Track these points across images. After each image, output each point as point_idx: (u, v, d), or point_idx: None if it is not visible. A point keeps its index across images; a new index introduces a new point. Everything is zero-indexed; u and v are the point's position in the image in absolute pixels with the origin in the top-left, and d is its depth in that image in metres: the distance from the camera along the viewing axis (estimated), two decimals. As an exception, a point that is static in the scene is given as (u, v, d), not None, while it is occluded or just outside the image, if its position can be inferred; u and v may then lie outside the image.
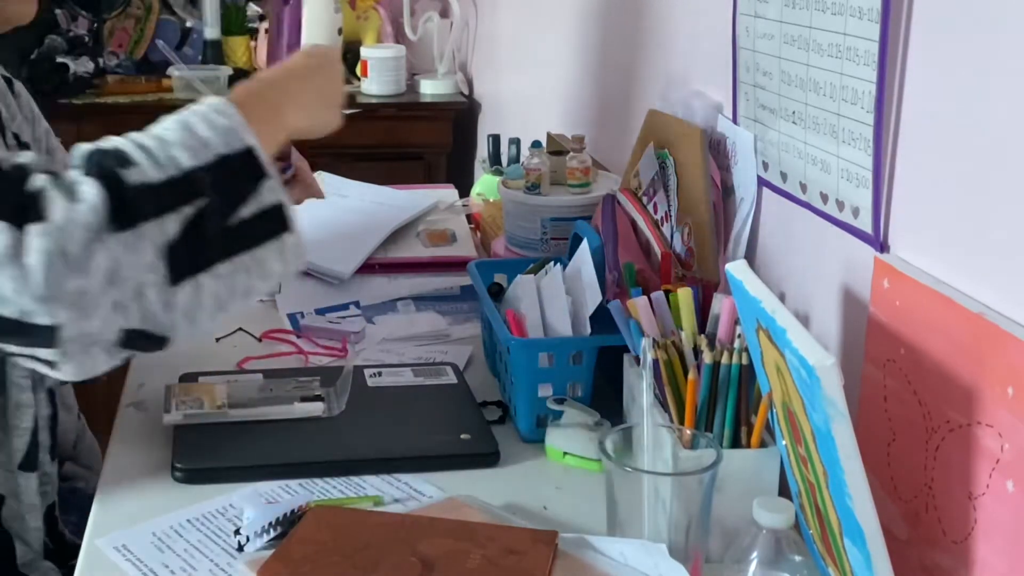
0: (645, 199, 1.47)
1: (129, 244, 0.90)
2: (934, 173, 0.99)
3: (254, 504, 1.10)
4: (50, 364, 0.93)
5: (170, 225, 0.92)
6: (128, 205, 0.90)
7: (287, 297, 1.70)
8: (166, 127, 0.98)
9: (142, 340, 0.94)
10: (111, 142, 0.96)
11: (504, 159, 2.12)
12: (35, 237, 0.86)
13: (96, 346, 0.92)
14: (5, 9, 1.22)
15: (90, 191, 0.89)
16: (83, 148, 0.95)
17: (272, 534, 1.06)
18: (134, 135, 0.98)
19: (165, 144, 0.95)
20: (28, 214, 0.87)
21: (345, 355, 1.52)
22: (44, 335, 0.89)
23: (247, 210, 0.96)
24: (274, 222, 0.98)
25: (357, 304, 1.70)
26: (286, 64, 1.18)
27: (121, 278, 0.90)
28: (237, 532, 1.08)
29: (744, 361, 1.06)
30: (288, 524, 1.06)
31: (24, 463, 1.26)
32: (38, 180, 0.91)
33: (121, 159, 0.93)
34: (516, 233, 1.73)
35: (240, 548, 1.07)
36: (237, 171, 0.97)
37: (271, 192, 0.98)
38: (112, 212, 0.89)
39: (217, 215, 0.94)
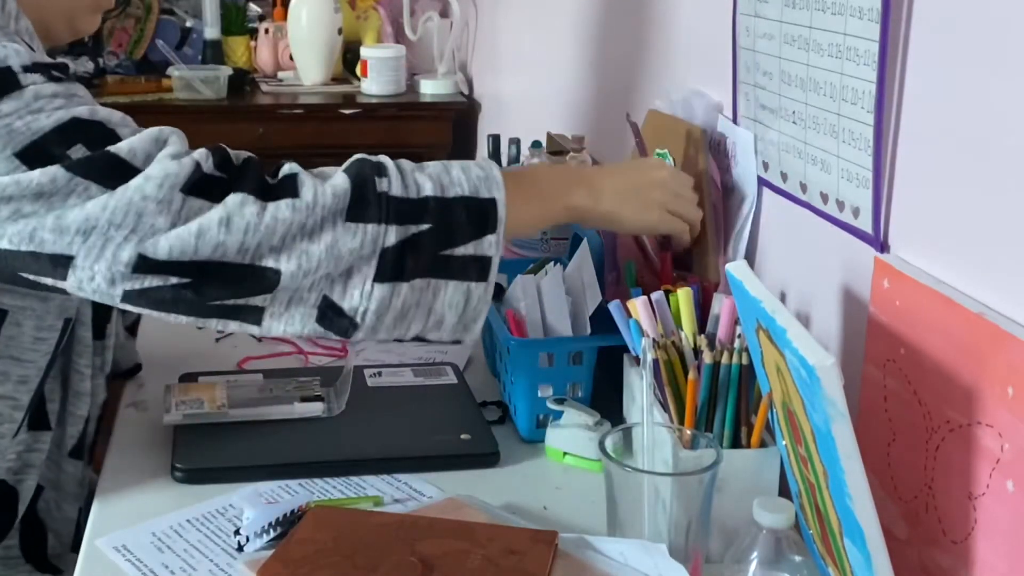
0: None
1: (353, 233, 1.04)
2: (934, 173, 0.99)
3: (254, 504, 1.10)
4: (257, 312, 1.04)
5: (391, 235, 1.05)
6: (364, 204, 1.04)
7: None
8: (434, 164, 1.11)
9: (335, 316, 1.05)
10: (381, 157, 1.10)
11: (504, 159, 2.11)
12: (284, 205, 1.02)
13: (299, 306, 1.04)
14: (75, 22, 1.30)
15: (341, 183, 1.05)
16: (357, 156, 1.10)
17: (272, 534, 1.06)
18: (399, 160, 1.11)
19: (420, 171, 1.09)
20: (281, 191, 1.03)
21: (345, 355, 1.52)
22: (266, 279, 1.02)
23: (461, 249, 1.07)
24: (477, 270, 1.08)
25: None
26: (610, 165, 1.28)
27: (339, 255, 1.03)
28: (237, 532, 1.08)
29: (744, 361, 1.06)
30: (288, 524, 1.06)
31: (74, 450, 1.30)
32: (294, 168, 1.07)
33: (379, 169, 1.07)
34: (516, 233, 1.73)
35: (240, 548, 1.07)
36: (470, 214, 1.07)
37: (490, 246, 1.08)
38: (350, 204, 1.04)
39: (433, 242, 1.06)
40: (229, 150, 1.08)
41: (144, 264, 1.00)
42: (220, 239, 1.00)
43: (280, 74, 3.19)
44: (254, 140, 2.90)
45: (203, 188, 1.02)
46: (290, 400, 1.34)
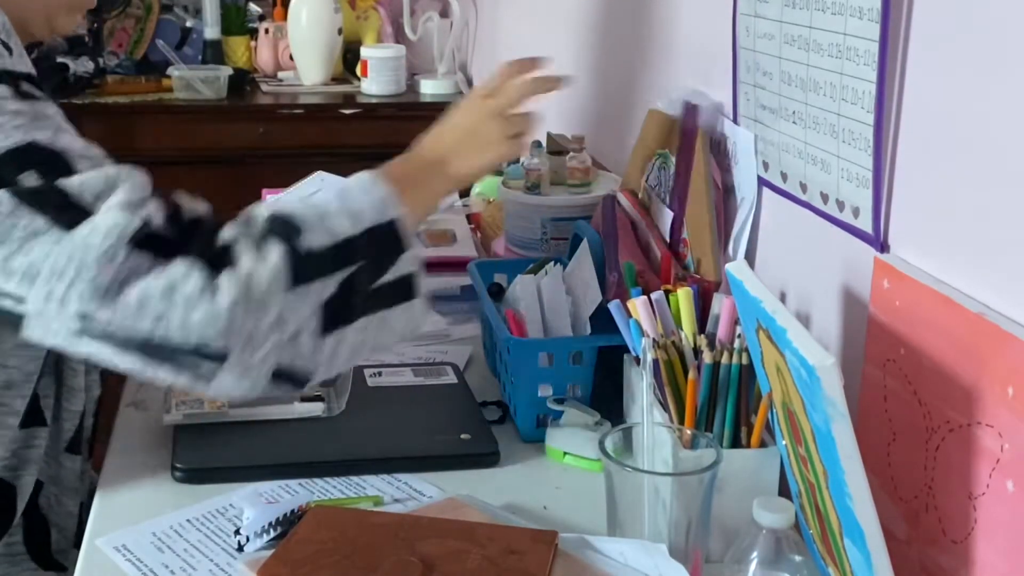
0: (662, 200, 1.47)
1: (298, 298, 1.02)
2: (934, 173, 0.99)
3: (254, 504, 1.10)
4: (205, 381, 1.02)
5: (329, 287, 1.04)
6: (302, 268, 1.03)
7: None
8: (328, 198, 1.10)
9: (287, 378, 1.05)
10: (285, 209, 1.08)
11: (504, 159, 2.11)
12: (227, 282, 0.99)
13: (248, 375, 1.02)
14: (53, 21, 1.28)
15: (275, 253, 1.02)
16: (262, 213, 1.07)
17: (272, 534, 1.06)
18: (298, 206, 1.09)
19: (328, 215, 1.07)
20: (223, 261, 1.00)
21: None
22: (211, 359, 1.00)
23: (388, 276, 1.09)
24: (407, 289, 1.10)
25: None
26: (438, 125, 1.31)
27: (285, 323, 1.02)
28: (237, 532, 1.08)
29: (744, 361, 1.06)
30: (288, 524, 1.06)
31: (71, 445, 1.31)
32: (228, 232, 1.04)
33: (295, 227, 1.05)
34: (516, 233, 1.73)
35: (240, 548, 1.07)
36: (384, 240, 1.09)
37: (408, 262, 1.10)
38: (290, 273, 1.02)
39: (365, 279, 1.07)
40: (184, 203, 1.06)
41: (88, 327, 0.97)
42: (160, 311, 0.97)
43: (280, 74, 3.19)
44: (254, 140, 2.90)
45: (150, 246, 0.98)
46: (290, 400, 1.34)
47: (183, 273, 0.98)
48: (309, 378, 1.06)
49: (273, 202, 1.11)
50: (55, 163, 1.01)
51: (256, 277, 1.00)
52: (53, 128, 1.05)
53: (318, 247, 1.04)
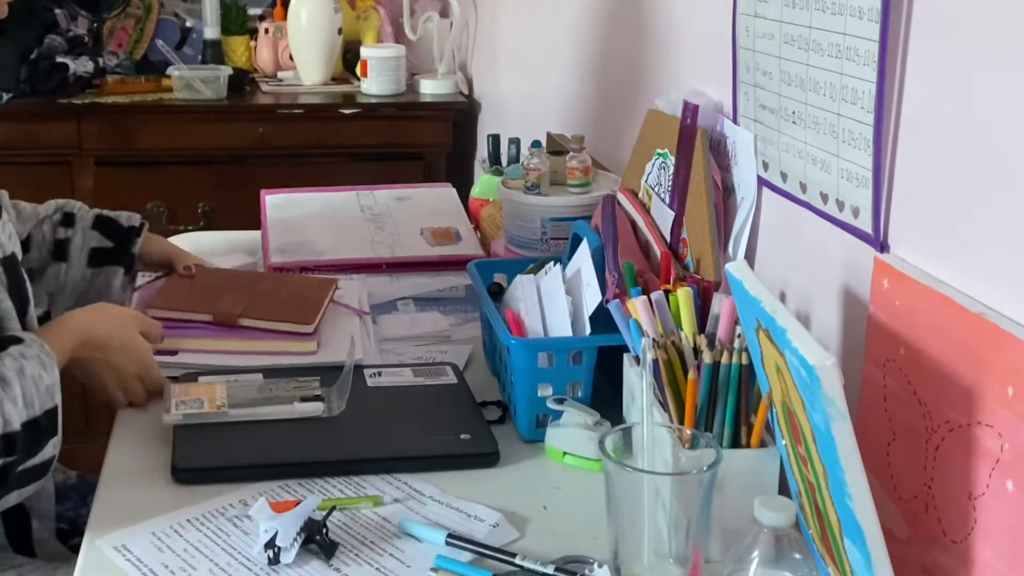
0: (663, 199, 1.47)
1: None
2: (934, 173, 0.99)
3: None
4: None
5: None
6: None
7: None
8: (22, 374, 1.17)
9: None
10: None
11: (504, 159, 2.12)
12: None
13: None
14: None
15: None
16: None
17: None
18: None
19: (5, 399, 1.14)
20: None
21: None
22: None
23: (34, 461, 1.17)
24: (44, 470, 1.19)
25: (357, 304, 1.70)
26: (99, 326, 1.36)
27: None
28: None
29: (744, 361, 1.06)
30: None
31: None
32: None
33: None
34: (516, 233, 1.73)
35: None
36: (41, 430, 1.17)
37: (52, 448, 1.19)
38: None
39: (16, 465, 1.15)
40: None
41: None
42: None
43: (280, 74, 3.19)
44: (254, 140, 2.90)
45: None
46: (290, 400, 1.34)
47: None
48: None
49: None
50: None
51: None
52: None
53: None
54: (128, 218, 1.63)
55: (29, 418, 1.16)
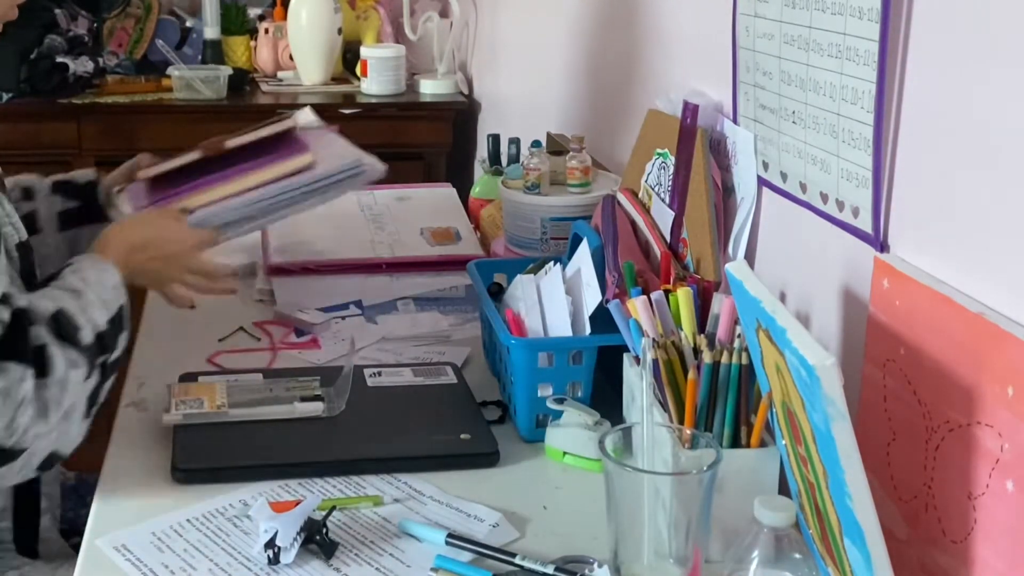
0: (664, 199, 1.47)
1: (82, 390, 1.21)
2: (934, 173, 0.99)
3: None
4: None
5: (96, 374, 1.23)
6: (89, 365, 1.22)
7: (287, 296, 1.70)
8: (79, 284, 1.27)
9: (52, 461, 1.21)
10: (61, 306, 1.22)
11: (504, 159, 2.11)
12: (31, 387, 1.15)
13: (27, 468, 1.19)
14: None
15: (73, 356, 1.20)
16: (45, 310, 1.21)
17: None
18: (65, 299, 1.24)
19: (88, 305, 1.25)
20: (35, 365, 1.16)
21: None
22: (7, 457, 1.15)
23: (115, 354, 1.27)
24: (117, 365, 1.29)
25: (359, 304, 1.70)
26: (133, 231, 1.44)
27: (71, 415, 1.20)
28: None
29: (744, 361, 1.06)
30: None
31: None
32: (39, 334, 1.18)
33: (75, 326, 1.22)
34: (516, 233, 1.73)
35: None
36: (118, 326, 1.28)
37: (123, 342, 1.29)
38: (81, 372, 1.20)
39: (110, 371, 1.26)
40: (11, 303, 1.18)
41: None
42: None
43: (280, 74, 3.19)
44: (254, 140, 2.90)
45: None
46: (290, 400, 1.34)
47: (19, 377, 1.14)
48: (67, 456, 1.22)
49: (43, 296, 1.25)
50: None
51: (68, 381, 1.18)
52: None
53: (88, 342, 1.22)
54: (83, 175, 1.64)
55: (110, 316, 1.26)
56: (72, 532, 1.42)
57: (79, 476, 1.55)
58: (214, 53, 3.18)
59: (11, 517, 1.36)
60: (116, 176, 1.64)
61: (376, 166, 1.55)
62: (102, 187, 1.62)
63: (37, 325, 1.19)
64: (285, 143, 1.58)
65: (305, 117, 1.73)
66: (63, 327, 1.21)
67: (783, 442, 1.00)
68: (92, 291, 1.26)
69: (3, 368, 1.13)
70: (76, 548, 1.15)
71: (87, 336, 1.22)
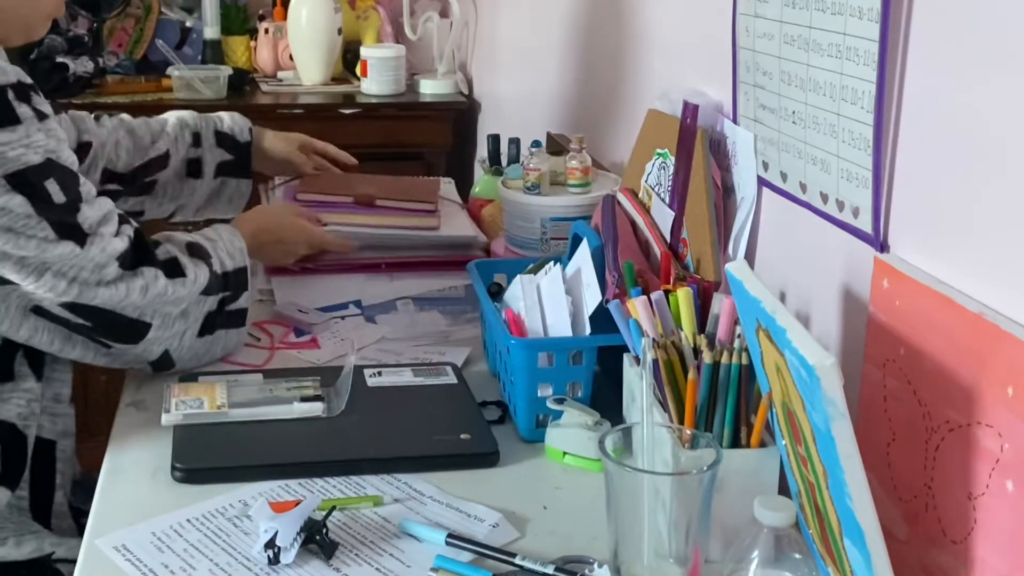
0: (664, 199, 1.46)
1: (201, 304, 1.43)
2: (934, 173, 0.99)
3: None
4: (110, 355, 1.39)
5: (214, 302, 1.44)
6: (209, 284, 1.43)
7: (287, 295, 1.70)
8: (212, 238, 1.50)
9: (165, 361, 1.42)
10: (194, 239, 1.47)
11: (504, 159, 2.11)
12: (179, 285, 1.39)
13: (147, 353, 1.40)
14: (31, 30, 1.46)
15: (202, 269, 1.43)
16: (180, 237, 1.46)
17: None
18: (199, 238, 1.49)
19: (218, 249, 1.47)
20: (166, 268, 1.38)
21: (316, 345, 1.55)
22: (139, 331, 1.37)
23: (235, 305, 1.47)
24: (241, 318, 1.49)
25: (358, 303, 1.70)
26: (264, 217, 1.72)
27: (188, 315, 1.41)
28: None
29: (744, 361, 1.06)
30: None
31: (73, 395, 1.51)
32: (171, 249, 1.41)
33: (207, 252, 1.45)
34: (516, 233, 1.73)
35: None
36: (240, 279, 1.48)
37: (246, 299, 1.49)
38: (204, 286, 1.42)
39: (227, 302, 1.46)
40: (140, 231, 1.40)
41: (71, 306, 1.32)
42: (136, 302, 1.35)
43: (280, 74, 3.19)
44: (254, 140, 2.90)
45: (128, 260, 1.35)
46: (290, 400, 1.34)
47: (154, 276, 1.36)
48: (178, 365, 1.42)
49: (169, 235, 1.47)
50: (67, 175, 1.31)
51: (196, 283, 1.40)
52: (58, 139, 1.33)
53: (216, 270, 1.44)
54: (241, 132, 1.88)
55: (235, 267, 1.47)
56: (80, 513, 1.44)
57: (84, 473, 1.56)
58: (214, 53, 3.18)
59: (28, 487, 1.40)
60: (278, 163, 1.94)
61: (479, 240, 1.86)
62: (255, 149, 1.89)
63: (172, 244, 1.42)
64: (421, 192, 1.93)
65: (447, 188, 2.07)
66: (195, 250, 1.44)
67: (783, 442, 1.00)
68: (223, 243, 1.48)
69: (140, 272, 1.35)
70: (82, 529, 1.16)
71: (215, 264, 1.44)
